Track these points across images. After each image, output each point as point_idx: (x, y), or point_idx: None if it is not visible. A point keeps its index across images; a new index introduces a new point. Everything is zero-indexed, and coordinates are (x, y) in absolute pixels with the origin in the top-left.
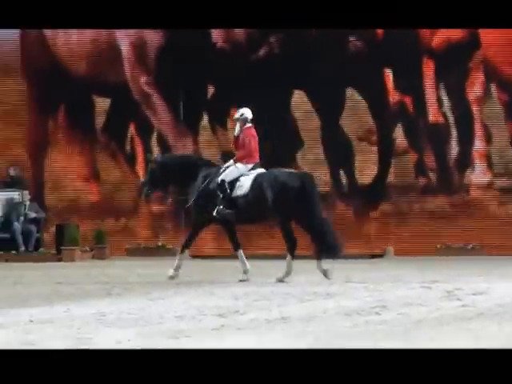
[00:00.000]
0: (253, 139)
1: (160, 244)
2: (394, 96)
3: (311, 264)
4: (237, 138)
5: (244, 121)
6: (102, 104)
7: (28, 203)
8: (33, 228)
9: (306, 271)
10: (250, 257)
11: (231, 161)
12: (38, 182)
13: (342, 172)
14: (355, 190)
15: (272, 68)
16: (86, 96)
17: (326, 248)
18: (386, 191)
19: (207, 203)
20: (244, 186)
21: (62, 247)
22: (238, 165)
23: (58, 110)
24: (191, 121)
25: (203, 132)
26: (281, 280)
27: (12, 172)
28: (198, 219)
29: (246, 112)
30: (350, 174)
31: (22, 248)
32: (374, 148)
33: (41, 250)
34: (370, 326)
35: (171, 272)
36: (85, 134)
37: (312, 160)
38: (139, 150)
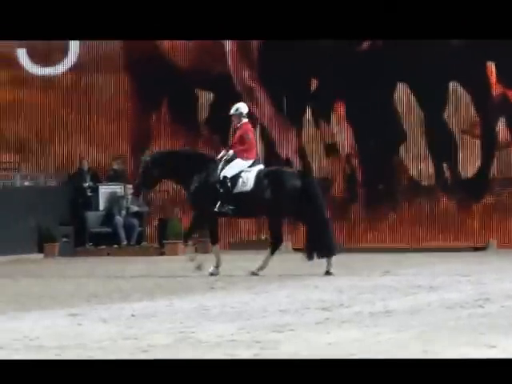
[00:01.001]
0: (251, 134)
1: (263, 237)
2: (496, 89)
3: (416, 258)
4: (234, 133)
5: (240, 116)
6: (206, 98)
7: (130, 197)
8: (135, 222)
9: (411, 265)
10: (355, 250)
11: (229, 153)
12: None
13: (445, 165)
14: (458, 184)
15: (375, 61)
16: (189, 90)
17: (318, 248)
18: (489, 184)
19: (205, 198)
20: (248, 182)
21: (165, 241)
22: (238, 160)
23: (161, 104)
24: (294, 114)
25: (307, 125)
26: (255, 273)
27: (115, 166)
28: (198, 214)
29: (242, 107)
30: (453, 168)
31: (124, 242)
32: (477, 141)
33: (143, 243)
34: (473, 318)
35: (211, 269)
36: (188, 127)
37: (415, 153)
38: None
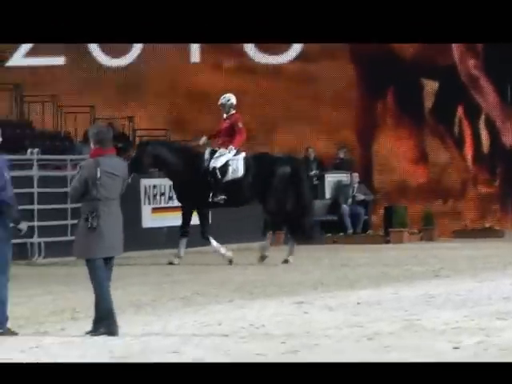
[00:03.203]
0: (241, 124)
1: (487, 226)
2: None
3: None
4: (222, 122)
5: (230, 106)
6: (431, 87)
7: (356, 185)
8: (361, 210)
9: None
10: None
11: (229, 147)
12: (366, 164)
13: None
14: None
15: None
16: (414, 79)
17: (300, 233)
18: None
19: (193, 190)
20: (238, 169)
21: (390, 229)
22: (222, 150)
23: (386, 93)
24: None
25: None
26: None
27: (341, 154)
28: (186, 206)
29: (232, 98)
30: None
31: (350, 230)
32: None
33: (369, 231)
34: None
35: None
36: (413, 116)
37: None
38: (467, 132)
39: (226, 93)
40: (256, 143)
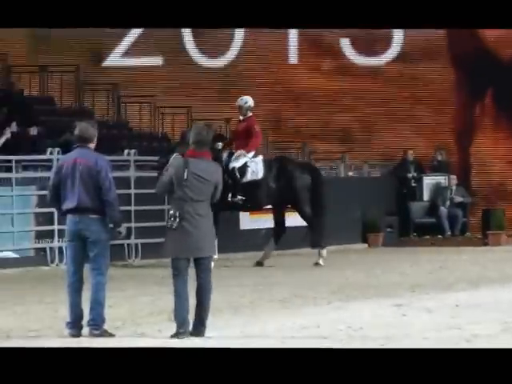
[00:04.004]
0: (257, 127)
1: None
2: None
3: None
4: (239, 125)
5: (247, 109)
6: None
7: (454, 187)
8: (459, 212)
9: None
10: None
11: (241, 150)
12: (464, 166)
13: None
14: None
15: None
16: None
17: (316, 237)
18: None
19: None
20: (257, 171)
21: (488, 231)
22: (241, 152)
23: (485, 95)
24: None
25: None
26: (260, 264)
27: (439, 157)
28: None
29: (250, 100)
30: None
31: (448, 232)
32: None
33: (467, 234)
34: None
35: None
36: None
37: None
38: None
39: (329, 93)
40: (355, 144)
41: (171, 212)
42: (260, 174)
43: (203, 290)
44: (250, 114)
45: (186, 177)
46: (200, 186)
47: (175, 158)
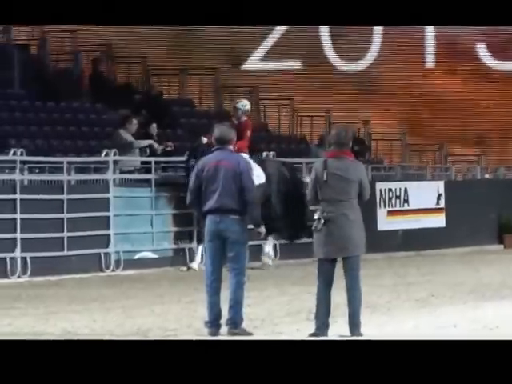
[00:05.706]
0: (250, 131)
1: None
2: None
3: None
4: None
5: (244, 112)
6: None
7: None
8: None
9: None
10: None
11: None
12: None
13: None
14: None
15: None
16: None
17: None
18: None
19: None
20: (259, 175)
21: None
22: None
23: None
24: None
25: None
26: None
27: None
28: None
29: (248, 104)
30: None
31: None
32: None
33: None
34: None
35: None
36: None
37: None
38: None
39: (464, 96)
40: (491, 147)
41: (316, 215)
42: (262, 179)
43: (350, 289)
44: (245, 118)
45: (325, 178)
46: (339, 184)
47: (317, 162)
